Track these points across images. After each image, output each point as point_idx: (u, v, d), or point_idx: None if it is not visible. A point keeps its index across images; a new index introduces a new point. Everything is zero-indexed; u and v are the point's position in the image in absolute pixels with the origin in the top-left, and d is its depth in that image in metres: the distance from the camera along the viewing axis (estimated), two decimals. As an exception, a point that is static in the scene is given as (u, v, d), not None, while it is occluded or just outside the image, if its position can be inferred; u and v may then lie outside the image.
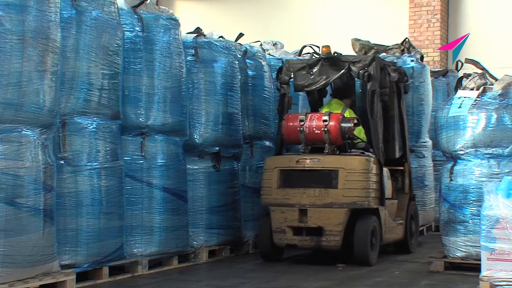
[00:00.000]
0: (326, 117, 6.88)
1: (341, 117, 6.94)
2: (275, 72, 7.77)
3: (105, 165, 5.79)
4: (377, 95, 7.08)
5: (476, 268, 5.50)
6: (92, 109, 5.72)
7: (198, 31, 7.41)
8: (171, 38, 6.60)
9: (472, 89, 6.43)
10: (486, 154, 6.22)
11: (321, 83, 7.34)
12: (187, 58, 7.02)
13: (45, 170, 4.91)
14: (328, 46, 7.49)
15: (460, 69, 7.98)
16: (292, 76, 7.42)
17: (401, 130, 7.85)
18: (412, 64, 9.14)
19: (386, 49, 9.47)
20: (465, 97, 6.38)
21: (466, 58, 7.05)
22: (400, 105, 7.85)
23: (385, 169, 7.16)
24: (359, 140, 7.24)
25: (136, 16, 6.41)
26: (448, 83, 9.71)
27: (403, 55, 9.30)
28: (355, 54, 9.43)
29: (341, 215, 6.64)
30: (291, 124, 7.04)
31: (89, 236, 5.60)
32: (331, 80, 7.38)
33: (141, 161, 6.37)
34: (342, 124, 6.87)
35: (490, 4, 13.24)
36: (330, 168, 6.77)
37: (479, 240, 5.34)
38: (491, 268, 5.16)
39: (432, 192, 9.37)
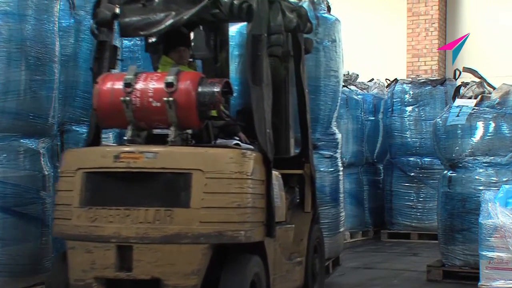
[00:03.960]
0: (171, 78, 3.97)
1: (199, 78, 4.06)
2: None
3: (103, 174, 5.74)
4: (264, 45, 4.26)
5: (475, 277, 5.49)
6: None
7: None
8: (169, 47, 6.55)
9: (470, 98, 6.45)
10: (484, 162, 6.22)
11: (167, 24, 4.29)
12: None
13: (43, 178, 4.90)
14: None
15: (458, 77, 8.01)
16: (117, 11, 4.45)
17: (300, 114, 5.18)
18: (317, 13, 6.26)
19: None
20: (463, 106, 6.39)
21: (464, 67, 7.06)
22: (300, 72, 5.09)
23: (275, 174, 4.44)
24: (231, 121, 4.59)
25: (134, 25, 6.38)
26: (446, 91, 9.72)
27: (302, 1, 6.22)
28: None
29: (196, 257, 3.81)
30: (110, 91, 4.11)
31: (86, 245, 5.56)
32: (184, 19, 4.28)
33: (139, 170, 6.32)
34: (201, 90, 3.99)
35: (488, 13, 13.29)
36: (176, 170, 3.86)
37: (477, 248, 5.34)
38: (490, 277, 5.16)
39: (342, 210, 6.72)
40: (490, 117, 6.22)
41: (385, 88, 10.66)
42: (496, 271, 5.14)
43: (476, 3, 13.50)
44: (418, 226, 9.59)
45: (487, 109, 6.26)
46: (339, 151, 6.70)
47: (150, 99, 4.03)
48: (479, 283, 5.24)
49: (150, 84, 4.06)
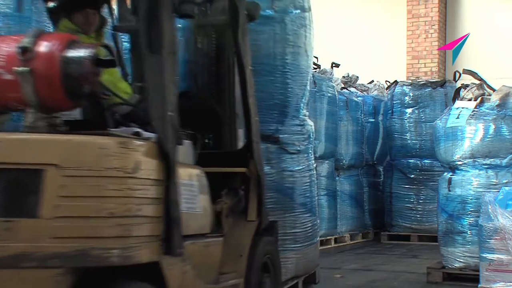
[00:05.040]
0: (27, 41, 2.96)
1: (68, 41, 3.02)
2: None
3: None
4: (166, 1, 3.31)
5: (475, 279, 5.49)
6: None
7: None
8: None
9: (470, 100, 6.45)
10: (484, 164, 6.22)
11: None
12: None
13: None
14: None
15: (458, 79, 8.02)
16: None
17: (242, 98, 4.22)
18: None
19: None
20: (463, 108, 6.39)
21: (464, 69, 7.06)
22: (239, 45, 4.06)
23: (192, 172, 3.53)
24: (119, 101, 3.41)
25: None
26: (446, 93, 9.73)
27: None
28: None
29: (45, 287, 2.77)
30: None
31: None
32: None
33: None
34: (67, 56, 2.96)
35: (487, 15, 13.30)
36: (21, 165, 2.81)
37: (478, 250, 5.34)
38: (490, 279, 5.16)
39: (315, 217, 5.57)
40: (490, 119, 6.22)
41: (385, 90, 10.68)
42: (496, 273, 5.14)
43: (476, 5, 13.51)
44: (418, 228, 9.59)
45: (487, 111, 6.26)
46: (310, 145, 5.50)
47: (0, 70, 2.99)
48: (479, 285, 5.24)
49: (1, 50, 3.01)
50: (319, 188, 8.75)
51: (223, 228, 3.87)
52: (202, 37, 4.42)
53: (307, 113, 5.54)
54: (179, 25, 4.46)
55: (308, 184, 5.43)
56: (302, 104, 5.40)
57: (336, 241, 9.23)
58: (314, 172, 5.61)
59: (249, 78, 4.15)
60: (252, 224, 4.09)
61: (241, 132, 4.40)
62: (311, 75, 5.60)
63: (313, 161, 5.64)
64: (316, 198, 5.68)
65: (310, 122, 5.55)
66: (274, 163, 5.06)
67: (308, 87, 5.48)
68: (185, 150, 3.52)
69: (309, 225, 5.41)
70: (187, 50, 4.60)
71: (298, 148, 5.32)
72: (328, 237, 9.04)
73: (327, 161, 9.04)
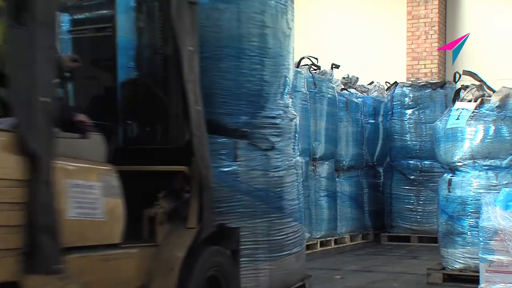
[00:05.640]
0: None
1: None
2: None
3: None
4: None
5: (475, 280, 5.49)
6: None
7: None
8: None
9: (470, 101, 6.45)
10: (484, 165, 6.22)
11: None
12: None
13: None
14: None
15: (457, 80, 8.01)
16: None
17: (181, 85, 3.59)
18: None
19: None
20: (463, 109, 6.39)
21: (463, 70, 7.06)
22: (173, 20, 3.52)
23: (91, 171, 2.99)
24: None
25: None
26: (446, 94, 9.73)
27: None
28: None
29: None
30: None
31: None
32: None
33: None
34: None
35: (487, 16, 13.31)
36: None
37: (478, 252, 5.34)
38: (490, 280, 5.16)
39: (296, 223, 4.85)
40: (490, 120, 6.22)
41: (385, 91, 10.68)
42: (496, 274, 5.14)
43: (476, 6, 13.51)
44: (418, 229, 9.59)
45: (487, 112, 6.26)
46: (292, 141, 4.79)
47: None
48: (479, 286, 5.24)
49: None
50: (319, 189, 8.78)
51: (157, 237, 3.34)
52: (144, 15, 3.85)
53: (288, 105, 4.81)
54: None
55: (289, 185, 4.71)
56: (280, 94, 4.66)
57: (336, 242, 9.23)
58: (299, 171, 4.91)
59: (188, 60, 3.54)
60: (190, 232, 3.48)
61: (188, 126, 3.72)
62: (293, 61, 4.93)
63: (298, 159, 4.94)
64: (302, 201, 4.96)
65: (292, 115, 4.83)
66: (242, 160, 4.44)
67: (288, 75, 4.75)
68: (91, 145, 3.03)
69: (288, 232, 4.71)
70: (129, 30, 3.96)
71: (271, 145, 4.58)
72: (328, 238, 9.05)
73: (327, 162, 9.05)
